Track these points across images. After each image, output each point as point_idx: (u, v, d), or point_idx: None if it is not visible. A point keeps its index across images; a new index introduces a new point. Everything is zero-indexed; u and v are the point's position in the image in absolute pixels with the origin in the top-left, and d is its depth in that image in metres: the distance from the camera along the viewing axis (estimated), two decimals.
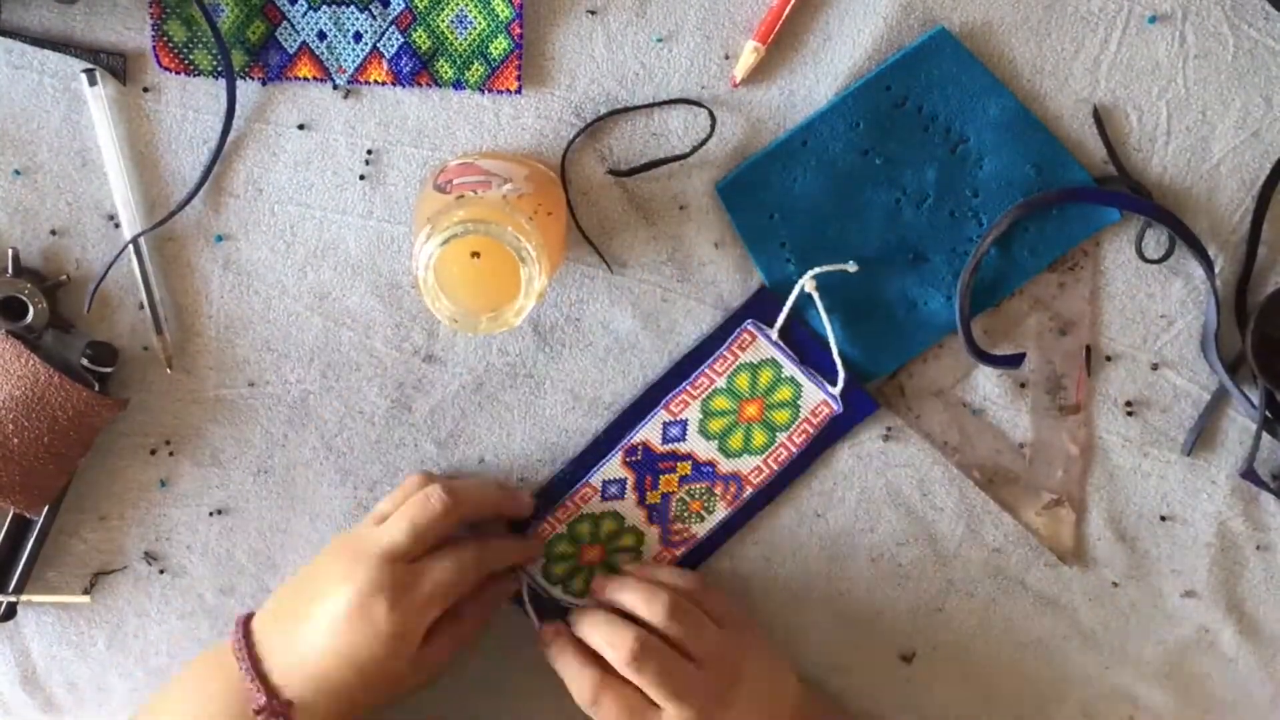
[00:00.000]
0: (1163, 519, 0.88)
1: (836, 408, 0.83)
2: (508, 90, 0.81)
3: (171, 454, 0.86)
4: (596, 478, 0.85)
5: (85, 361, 0.81)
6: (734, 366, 0.83)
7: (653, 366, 0.84)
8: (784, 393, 0.83)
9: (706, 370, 0.83)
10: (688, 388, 0.83)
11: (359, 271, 0.83)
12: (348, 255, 0.83)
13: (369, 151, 0.82)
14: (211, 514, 0.87)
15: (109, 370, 0.82)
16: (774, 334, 0.82)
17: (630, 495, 0.85)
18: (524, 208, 0.73)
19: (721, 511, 0.85)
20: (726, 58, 0.81)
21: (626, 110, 0.81)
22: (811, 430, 0.84)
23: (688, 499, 0.85)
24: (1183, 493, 0.87)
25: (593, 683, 0.76)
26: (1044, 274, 0.84)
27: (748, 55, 0.80)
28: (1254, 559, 0.88)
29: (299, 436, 0.86)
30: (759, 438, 0.84)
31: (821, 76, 0.81)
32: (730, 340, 0.83)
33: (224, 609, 0.89)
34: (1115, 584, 0.89)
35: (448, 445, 0.86)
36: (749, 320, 0.82)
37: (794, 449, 0.84)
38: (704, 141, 0.81)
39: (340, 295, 0.84)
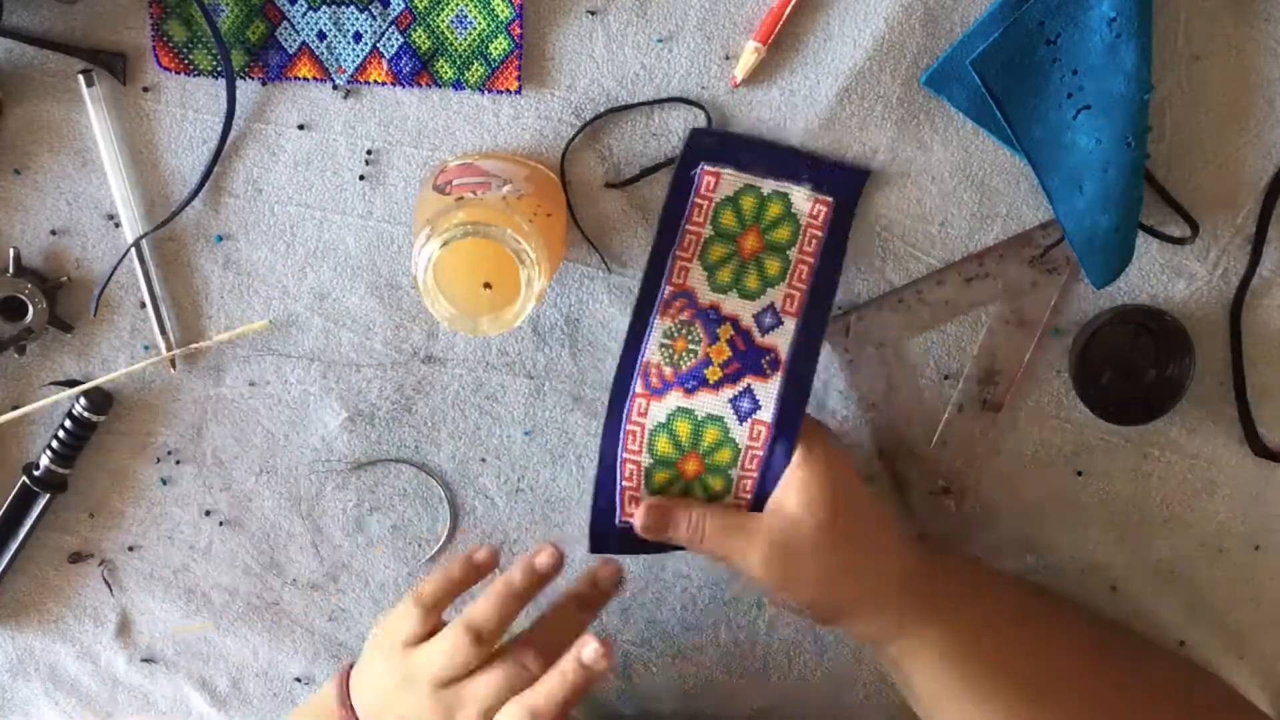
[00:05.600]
0: (1164, 520, 0.88)
1: (830, 198, 0.79)
2: (508, 90, 0.81)
3: (171, 453, 0.86)
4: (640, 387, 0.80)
5: (81, 410, 0.82)
6: (713, 209, 0.78)
7: None
8: (773, 209, 0.79)
9: (687, 228, 0.78)
10: (677, 252, 0.79)
11: (359, 272, 0.83)
12: (348, 255, 0.83)
13: (369, 151, 0.82)
14: (212, 514, 0.87)
15: (102, 419, 0.83)
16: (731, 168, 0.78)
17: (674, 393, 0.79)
18: (524, 209, 0.73)
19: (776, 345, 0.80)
20: (727, 58, 0.80)
21: (624, 109, 0.81)
22: (820, 232, 0.79)
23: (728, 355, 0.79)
24: (1182, 493, 0.87)
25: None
26: (1023, 267, 0.84)
27: (748, 55, 0.79)
28: (1253, 559, 0.88)
29: (299, 437, 0.86)
30: (772, 266, 0.79)
31: (822, 76, 0.81)
32: (694, 189, 0.78)
33: (228, 609, 0.89)
34: (1114, 588, 0.89)
35: (448, 445, 0.86)
36: (700, 164, 0.78)
37: (812, 260, 0.79)
38: None
39: (340, 295, 0.84)
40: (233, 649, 0.90)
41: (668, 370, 0.79)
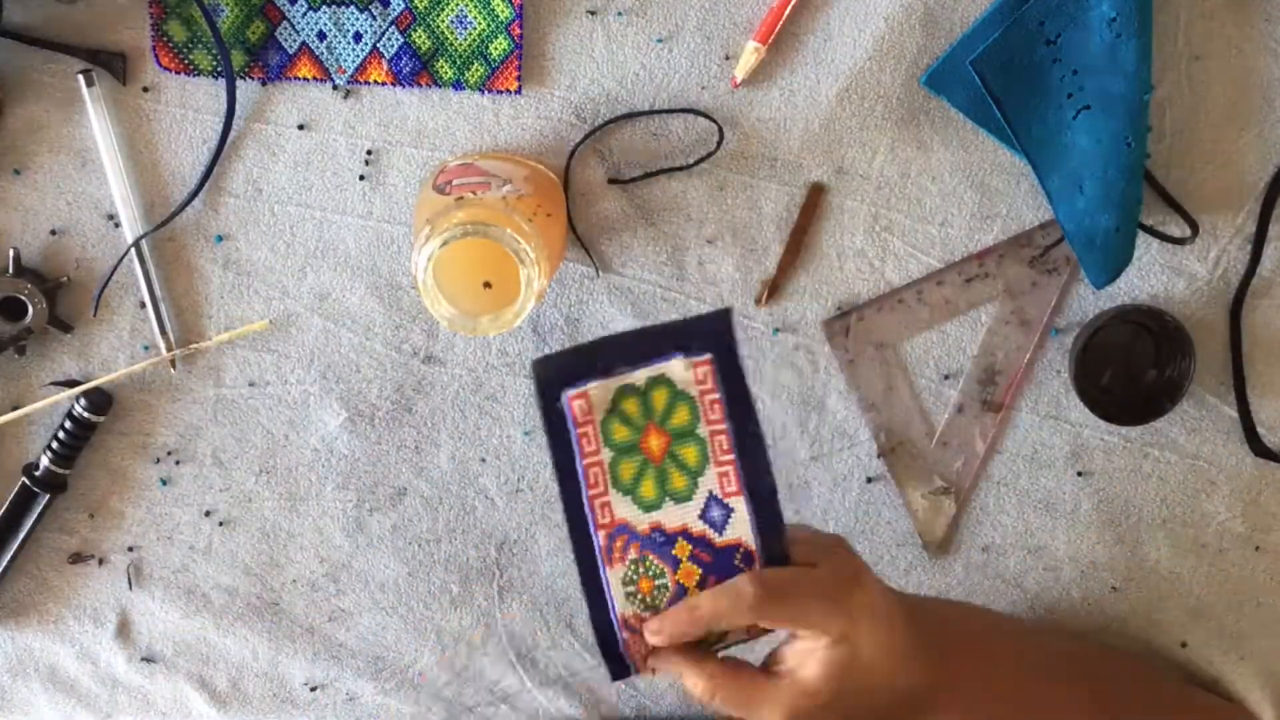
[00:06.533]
0: (1164, 521, 0.88)
1: (707, 354, 0.68)
2: (508, 90, 0.81)
3: (171, 454, 0.86)
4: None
5: (81, 410, 0.82)
6: (599, 430, 0.68)
7: None
8: (659, 397, 0.68)
9: (585, 464, 0.68)
10: (590, 494, 0.68)
11: (359, 272, 0.83)
12: (347, 255, 0.83)
13: (369, 152, 0.82)
14: (212, 514, 0.87)
15: (101, 419, 0.83)
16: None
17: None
18: (523, 209, 0.73)
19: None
20: (727, 58, 0.80)
21: (634, 116, 0.81)
22: (715, 393, 0.68)
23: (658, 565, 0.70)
24: (1182, 493, 0.87)
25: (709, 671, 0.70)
26: (1023, 267, 0.84)
27: (748, 55, 0.80)
28: (1254, 559, 0.88)
29: (299, 437, 0.86)
30: (689, 454, 0.69)
31: (822, 76, 0.81)
32: (571, 421, 0.67)
33: (228, 609, 0.89)
34: (1115, 588, 0.89)
35: (448, 445, 0.86)
36: (562, 393, 0.67)
37: (723, 424, 0.69)
38: (710, 154, 0.81)
39: (340, 295, 0.84)
40: (233, 649, 0.90)
41: (648, 615, 0.69)
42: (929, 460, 0.87)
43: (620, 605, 0.68)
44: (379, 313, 0.84)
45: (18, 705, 0.90)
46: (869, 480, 0.87)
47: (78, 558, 0.88)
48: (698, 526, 0.69)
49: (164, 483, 0.87)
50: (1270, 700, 0.90)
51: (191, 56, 0.80)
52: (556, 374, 0.66)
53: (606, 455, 0.67)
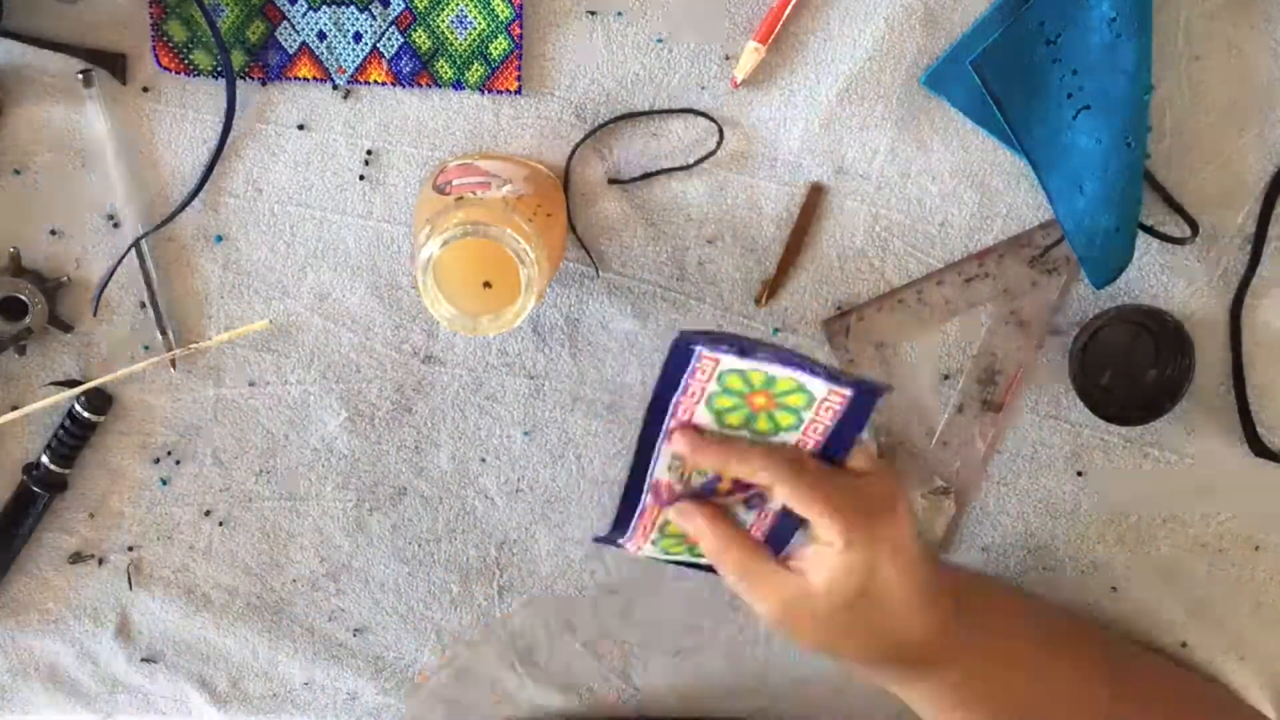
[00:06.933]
0: (1164, 520, 0.88)
1: (849, 391, 0.69)
2: (508, 90, 0.81)
3: (171, 453, 0.86)
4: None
5: (81, 410, 0.82)
6: (717, 377, 0.69)
7: (652, 366, 0.84)
8: (784, 384, 0.69)
9: (688, 387, 0.69)
10: (680, 398, 0.69)
11: (359, 272, 0.83)
12: (347, 255, 0.83)
13: (369, 152, 0.82)
14: (212, 514, 0.87)
15: (101, 419, 0.83)
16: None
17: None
18: (523, 209, 0.73)
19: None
20: (727, 58, 0.80)
21: (633, 115, 0.81)
22: (839, 408, 0.70)
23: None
24: (1182, 493, 0.87)
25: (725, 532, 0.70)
26: (1023, 267, 0.84)
27: (748, 55, 0.79)
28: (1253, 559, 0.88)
29: (299, 437, 0.86)
30: (785, 419, 0.70)
31: (822, 76, 0.81)
32: (690, 372, 0.69)
33: (228, 609, 0.89)
34: (1115, 588, 0.89)
35: (448, 445, 0.86)
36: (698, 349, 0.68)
37: (828, 423, 0.70)
38: (710, 154, 0.81)
39: (340, 295, 0.84)
40: (233, 649, 0.90)
41: (678, 487, 0.72)
42: (929, 460, 0.87)
43: (660, 471, 0.71)
44: (379, 313, 0.84)
45: (18, 705, 0.90)
46: None
47: (78, 557, 0.88)
48: None
49: (164, 482, 0.87)
50: (1270, 700, 0.90)
51: (191, 56, 0.80)
52: (700, 335, 0.68)
53: (703, 411, 0.69)
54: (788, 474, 0.68)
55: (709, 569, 0.73)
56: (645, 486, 0.71)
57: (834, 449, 0.71)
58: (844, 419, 0.70)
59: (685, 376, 0.69)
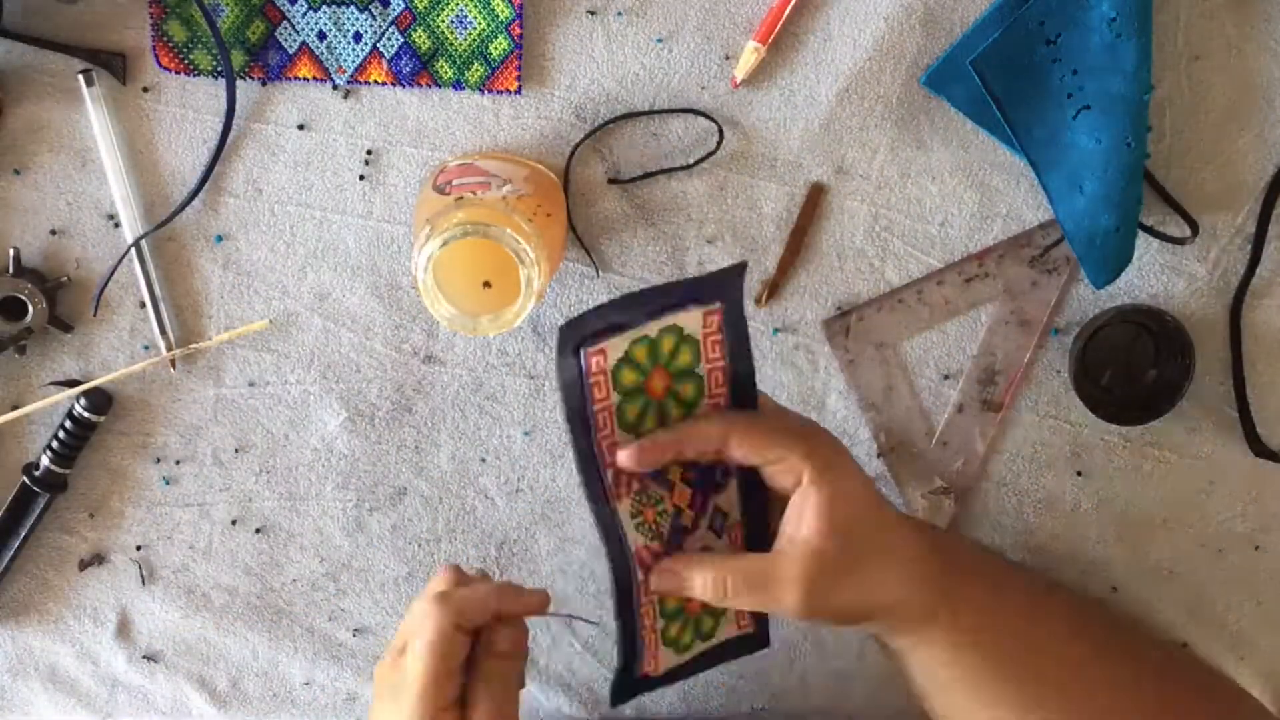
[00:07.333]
0: (1164, 520, 0.88)
1: (717, 303, 0.70)
2: (508, 90, 0.81)
3: (171, 453, 0.86)
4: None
5: (81, 410, 0.82)
6: (610, 378, 0.69)
7: None
8: (667, 343, 0.70)
9: (595, 410, 0.69)
10: (598, 438, 0.70)
11: (359, 272, 0.83)
12: (347, 255, 0.83)
13: (369, 151, 0.82)
14: (212, 514, 0.87)
15: (101, 419, 0.84)
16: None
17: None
18: (523, 209, 0.73)
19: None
20: (727, 58, 0.80)
21: (634, 115, 0.81)
22: (719, 335, 0.71)
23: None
24: (1182, 493, 0.87)
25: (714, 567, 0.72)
26: (1023, 267, 0.84)
27: (748, 55, 0.79)
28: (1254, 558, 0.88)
29: (299, 437, 0.86)
30: (686, 389, 0.71)
31: (822, 76, 0.81)
32: (584, 372, 0.68)
33: (228, 609, 0.89)
34: (1115, 588, 0.89)
35: (448, 445, 0.86)
36: (581, 350, 0.68)
37: (721, 361, 0.71)
38: (710, 154, 0.81)
39: (340, 295, 0.84)
40: (233, 649, 0.90)
41: (656, 544, 0.72)
42: (929, 460, 0.87)
43: (632, 538, 0.71)
44: (379, 313, 0.84)
45: (18, 705, 0.90)
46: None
47: (84, 564, 0.88)
48: None
49: (164, 483, 0.87)
50: (1270, 700, 0.90)
51: (191, 56, 0.80)
52: (578, 333, 0.68)
53: (615, 399, 0.69)
54: (740, 425, 0.71)
55: (735, 651, 0.76)
56: (631, 559, 0.72)
57: (741, 367, 0.72)
58: (729, 329, 0.71)
59: (585, 383, 0.68)
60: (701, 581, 0.71)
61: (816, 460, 0.70)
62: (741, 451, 0.70)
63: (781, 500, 0.72)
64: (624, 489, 0.71)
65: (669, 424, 0.71)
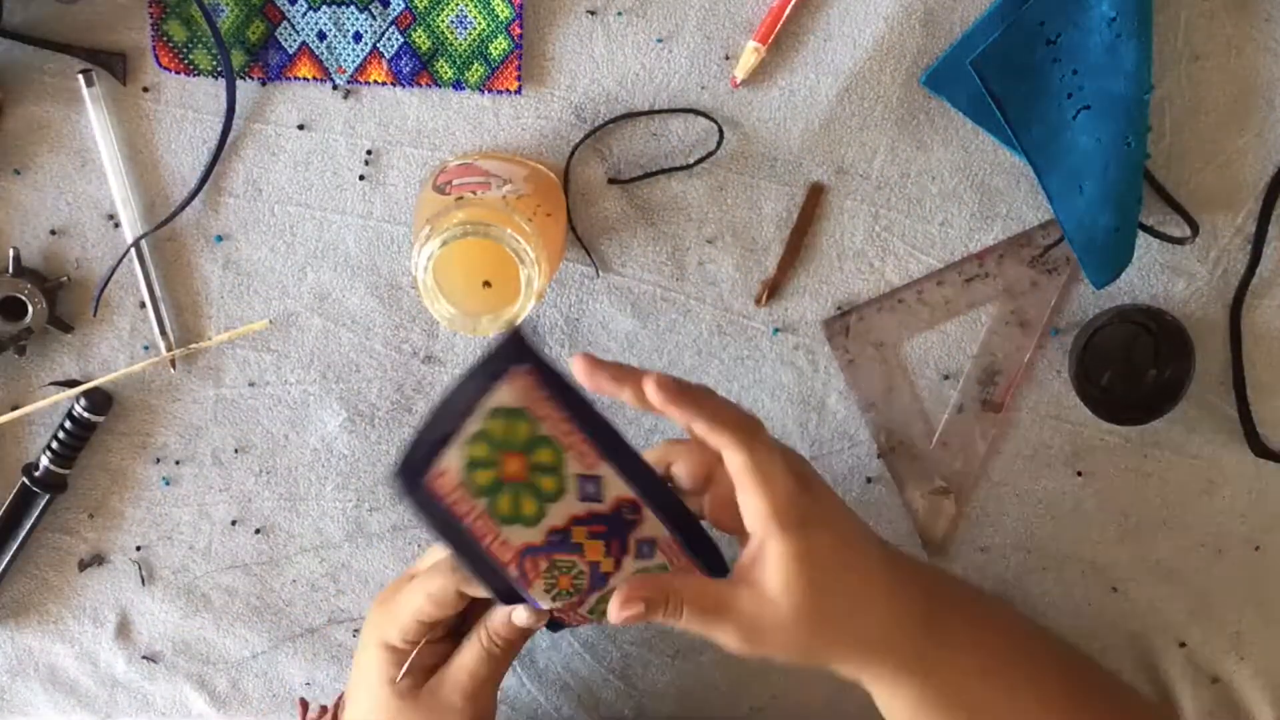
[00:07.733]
0: (1164, 520, 0.88)
1: (523, 365, 0.67)
2: (508, 90, 0.81)
3: (171, 453, 0.86)
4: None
5: (81, 410, 0.82)
6: (466, 483, 0.67)
7: (652, 366, 0.84)
8: (496, 428, 0.67)
9: (464, 522, 0.68)
10: (484, 544, 0.69)
11: (359, 272, 0.83)
12: (347, 255, 0.83)
13: (369, 151, 0.82)
14: (212, 514, 0.87)
15: (101, 419, 0.84)
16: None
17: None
18: (523, 209, 0.73)
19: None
20: (727, 58, 0.80)
21: (634, 115, 0.81)
22: (545, 393, 0.68)
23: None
24: (1182, 493, 0.87)
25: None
26: (1023, 267, 0.84)
27: (748, 55, 0.80)
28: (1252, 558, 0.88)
29: (299, 437, 0.86)
30: (544, 455, 0.69)
31: (822, 76, 0.81)
32: (437, 499, 0.67)
33: (228, 609, 0.89)
34: (1115, 588, 0.89)
35: None
36: (419, 481, 0.67)
37: (560, 414, 0.69)
38: (710, 154, 0.81)
39: (340, 295, 0.84)
40: (233, 649, 0.90)
41: (577, 598, 0.71)
42: (929, 460, 0.87)
43: (549, 606, 0.71)
44: (379, 313, 0.84)
45: (18, 705, 0.90)
46: (869, 480, 0.87)
47: (84, 564, 0.88)
48: (580, 508, 0.70)
49: (164, 483, 0.87)
50: (1270, 700, 0.90)
51: (191, 56, 0.80)
52: (411, 470, 0.67)
53: (481, 503, 0.68)
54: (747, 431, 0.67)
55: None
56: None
57: (569, 400, 0.68)
58: (550, 386, 0.68)
59: (444, 508, 0.67)
60: (661, 607, 0.68)
61: (790, 511, 0.67)
62: (738, 467, 0.67)
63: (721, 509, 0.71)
64: (532, 574, 0.70)
65: (546, 495, 0.69)
